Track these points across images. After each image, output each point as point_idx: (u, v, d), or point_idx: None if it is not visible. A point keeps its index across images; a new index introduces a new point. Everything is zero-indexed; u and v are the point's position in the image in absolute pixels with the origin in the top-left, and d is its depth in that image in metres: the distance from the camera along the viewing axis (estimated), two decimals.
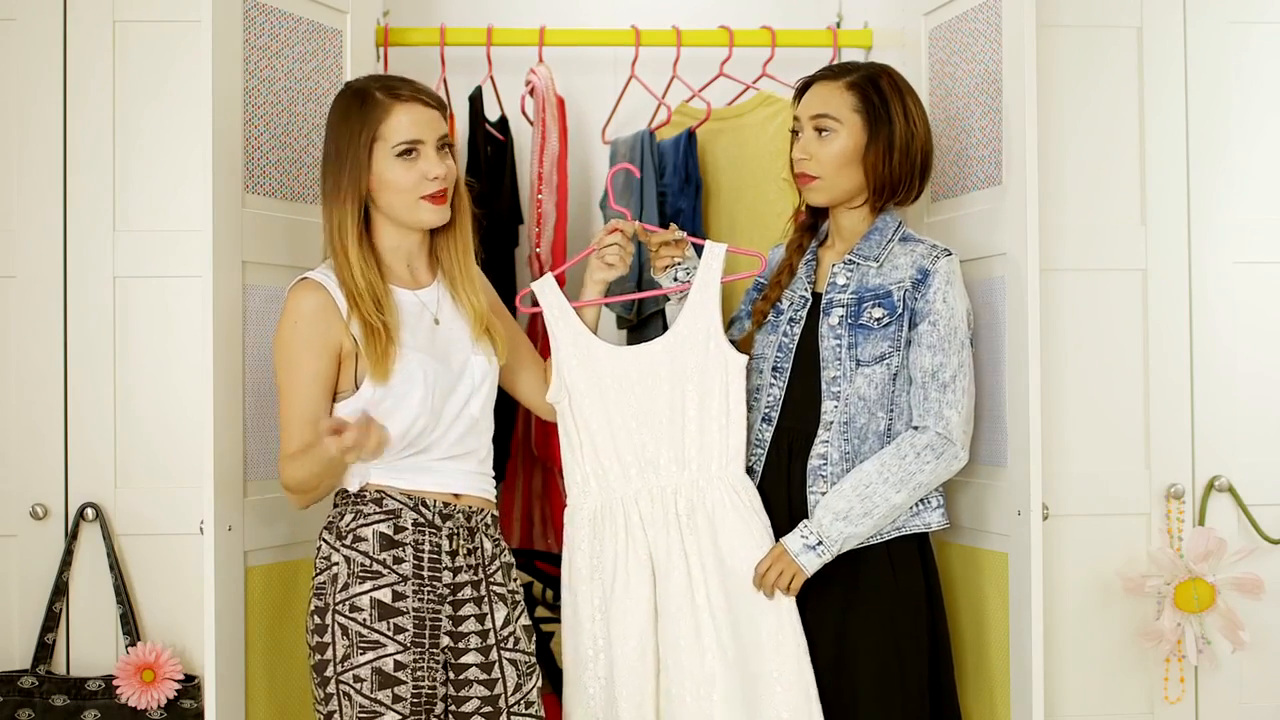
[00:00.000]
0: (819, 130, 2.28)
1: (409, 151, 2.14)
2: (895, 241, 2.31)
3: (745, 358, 2.29)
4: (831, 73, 2.32)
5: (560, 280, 2.39)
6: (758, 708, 2.21)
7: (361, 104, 2.15)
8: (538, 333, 2.87)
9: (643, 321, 2.90)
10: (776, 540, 2.25)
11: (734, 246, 2.36)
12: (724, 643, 2.20)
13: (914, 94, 2.32)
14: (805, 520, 2.22)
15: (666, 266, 2.40)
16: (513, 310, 2.46)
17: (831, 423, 2.26)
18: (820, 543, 2.19)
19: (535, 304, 2.39)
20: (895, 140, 2.26)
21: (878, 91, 2.27)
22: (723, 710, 2.18)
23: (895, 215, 2.34)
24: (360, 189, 2.15)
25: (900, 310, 2.25)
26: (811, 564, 2.20)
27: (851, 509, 2.19)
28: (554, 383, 2.33)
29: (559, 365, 2.33)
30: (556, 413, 2.35)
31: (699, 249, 2.36)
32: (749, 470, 2.32)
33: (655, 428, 2.28)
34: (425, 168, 2.15)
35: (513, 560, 2.31)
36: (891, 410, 2.27)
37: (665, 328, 2.43)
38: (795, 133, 2.34)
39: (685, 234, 2.40)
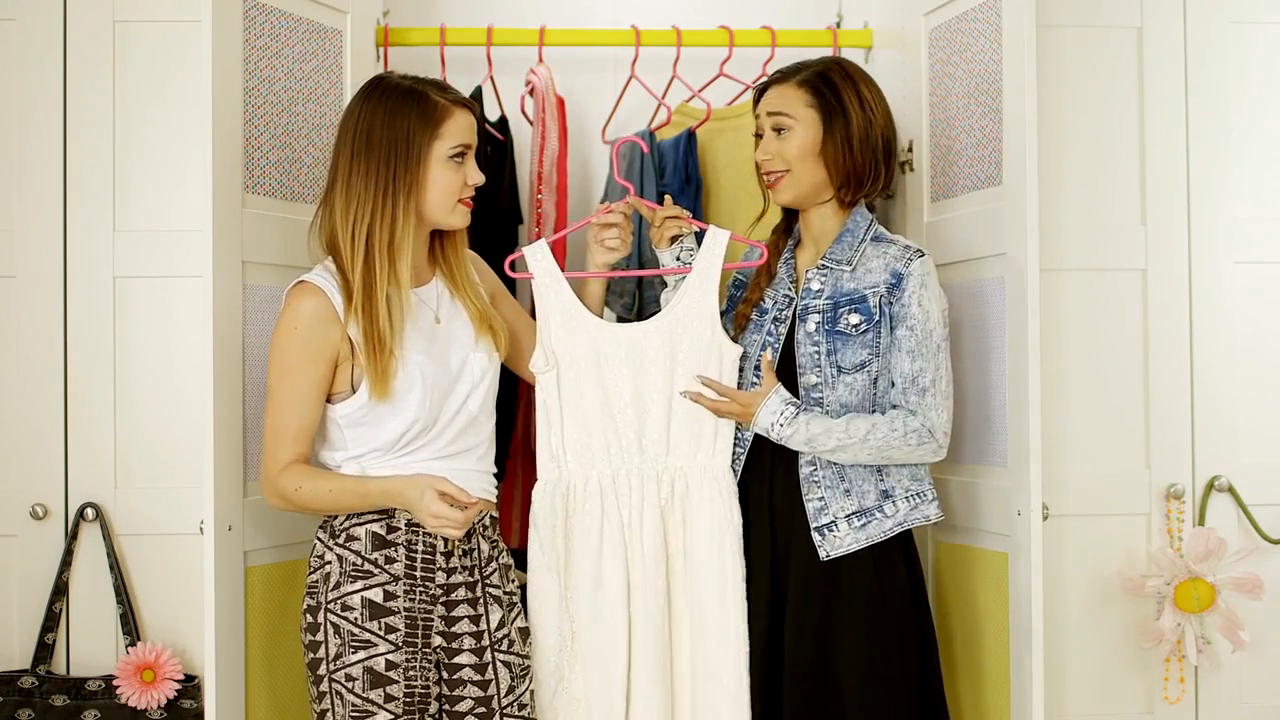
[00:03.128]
0: (777, 130, 2.32)
1: (460, 155, 2.17)
2: (867, 242, 2.32)
3: (740, 349, 2.29)
4: (783, 75, 2.36)
5: (558, 250, 2.35)
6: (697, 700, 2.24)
7: (418, 102, 2.14)
8: None
9: (643, 320, 2.90)
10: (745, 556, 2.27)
11: (737, 235, 2.35)
12: (691, 630, 2.24)
13: (869, 81, 2.34)
14: (793, 408, 2.23)
15: (674, 238, 2.40)
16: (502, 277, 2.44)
17: None
18: (784, 425, 2.22)
19: (526, 270, 2.35)
20: (852, 130, 2.29)
21: (828, 84, 2.31)
22: (687, 693, 2.23)
23: (866, 214, 2.35)
24: (421, 182, 2.14)
25: (877, 317, 2.26)
26: (760, 426, 2.23)
27: (818, 440, 2.21)
28: (538, 352, 2.30)
29: (544, 335, 2.30)
30: (537, 382, 2.31)
31: (701, 234, 2.36)
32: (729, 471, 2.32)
33: (642, 408, 2.27)
34: (469, 173, 2.19)
35: (510, 562, 2.30)
36: (872, 411, 2.28)
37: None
38: (758, 136, 2.38)
39: (682, 210, 2.41)
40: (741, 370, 2.35)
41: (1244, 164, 2.77)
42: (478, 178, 2.20)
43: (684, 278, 2.33)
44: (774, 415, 2.23)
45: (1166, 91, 2.74)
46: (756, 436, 2.31)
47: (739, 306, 2.41)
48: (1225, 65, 2.76)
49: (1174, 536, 2.70)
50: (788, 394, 2.25)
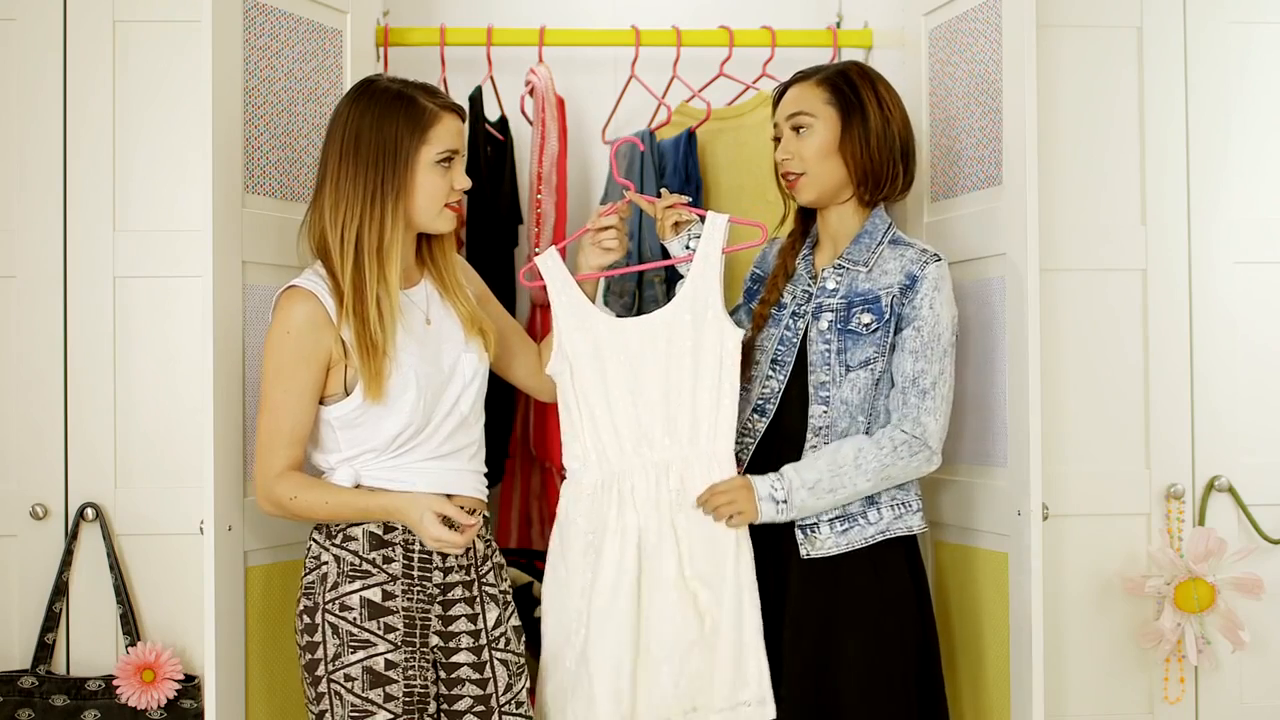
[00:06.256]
0: (796, 129, 2.33)
1: (447, 160, 2.16)
2: (885, 245, 2.32)
3: (742, 332, 2.29)
4: (803, 74, 2.37)
5: (562, 253, 2.39)
6: (711, 683, 2.23)
7: (407, 106, 2.14)
8: (535, 324, 2.88)
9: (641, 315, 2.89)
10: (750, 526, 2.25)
11: (736, 217, 2.35)
12: (697, 616, 2.22)
13: (886, 83, 2.35)
14: (776, 474, 2.23)
15: (677, 224, 2.40)
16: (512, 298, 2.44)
17: (820, 428, 2.27)
18: (786, 502, 2.21)
19: (539, 278, 2.37)
20: (870, 127, 2.29)
21: (848, 82, 2.32)
22: (689, 680, 2.22)
23: (885, 216, 2.35)
24: (408, 187, 2.14)
25: (888, 316, 2.26)
26: (767, 514, 2.21)
27: (820, 482, 2.21)
28: (555, 355, 2.32)
29: (560, 337, 2.32)
30: (557, 386, 2.33)
31: (701, 220, 2.36)
32: (736, 459, 2.30)
33: (651, 401, 2.27)
34: (455, 178, 2.19)
35: (503, 561, 2.31)
36: (870, 414, 2.28)
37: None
38: (777, 139, 2.38)
39: (679, 196, 2.40)
40: (757, 363, 2.35)
41: (1243, 164, 2.77)
42: (464, 183, 2.20)
43: (691, 265, 2.33)
44: (770, 478, 2.22)
45: (1166, 91, 2.74)
46: (767, 431, 2.31)
47: (757, 306, 2.41)
48: (1225, 65, 2.76)
49: (1174, 536, 2.70)
50: (762, 480, 2.24)
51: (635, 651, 2.24)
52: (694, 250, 2.36)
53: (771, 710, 2.22)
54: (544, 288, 2.35)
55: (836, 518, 2.25)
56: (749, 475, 2.24)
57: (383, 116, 2.13)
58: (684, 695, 2.23)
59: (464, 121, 2.22)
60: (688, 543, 2.24)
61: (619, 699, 2.22)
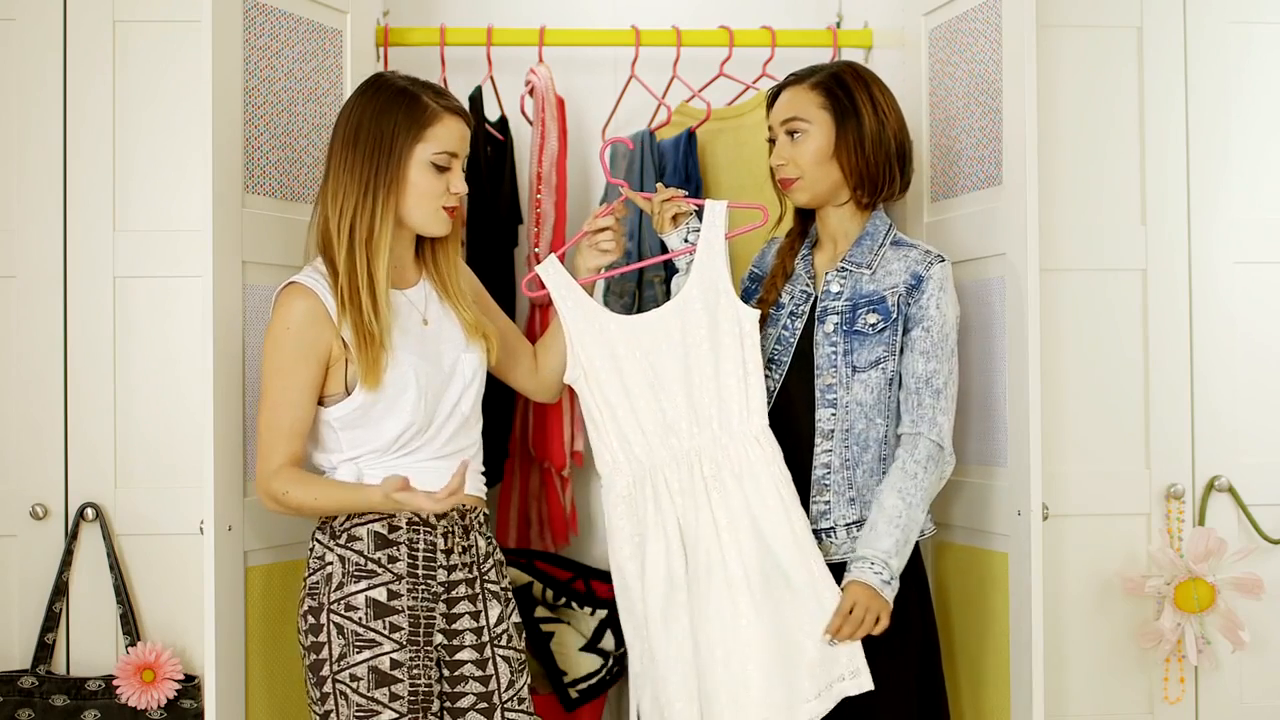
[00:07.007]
0: (791, 134, 2.32)
1: (444, 162, 2.16)
2: (887, 246, 2.31)
3: (757, 312, 2.28)
4: (797, 77, 2.36)
5: (561, 260, 2.39)
6: (791, 665, 2.17)
7: (410, 103, 2.14)
8: (535, 325, 2.88)
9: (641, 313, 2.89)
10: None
11: (734, 201, 2.35)
12: (758, 604, 2.17)
13: (881, 85, 2.34)
14: (864, 561, 2.17)
15: (676, 217, 2.39)
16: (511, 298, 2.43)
17: (831, 431, 2.26)
18: (893, 577, 2.17)
19: (541, 287, 2.37)
20: (865, 131, 2.28)
21: (842, 87, 2.30)
22: (759, 676, 2.15)
23: (885, 218, 2.35)
24: (399, 182, 2.14)
25: (895, 315, 2.25)
26: (890, 596, 2.17)
27: (896, 541, 2.18)
28: (570, 362, 2.32)
29: (572, 344, 2.32)
30: (577, 393, 2.33)
31: (699, 211, 2.36)
32: None
33: (671, 391, 2.26)
34: (453, 181, 2.18)
35: (504, 558, 2.31)
36: (889, 416, 2.27)
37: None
38: (771, 141, 2.37)
39: (676, 190, 2.40)
40: (771, 362, 2.35)
41: (1243, 164, 2.77)
42: (461, 187, 2.19)
43: (693, 257, 2.33)
44: (869, 567, 2.16)
45: (1166, 91, 2.74)
46: (773, 423, 2.28)
47: (754, 305, 2.40)
48: (1225, 65, 2.76)
49: (1174, 536, 2.70)
50: (856, 569, 2.18)
51: (701, 649, 2.19)
52: (693, 243, 2.36)
53: (868, 680, 2.15)
54: (547, 296, 2.35)
55: (854, 522, 2.25)
56: (850, 581, 2.16)
57: (382, 111, 2.14)
58: (775, 691, 2.16)
59: (469, 126, 2.21)
60: (730, 531, 2.20)
61: (692, 701, 2.19)
